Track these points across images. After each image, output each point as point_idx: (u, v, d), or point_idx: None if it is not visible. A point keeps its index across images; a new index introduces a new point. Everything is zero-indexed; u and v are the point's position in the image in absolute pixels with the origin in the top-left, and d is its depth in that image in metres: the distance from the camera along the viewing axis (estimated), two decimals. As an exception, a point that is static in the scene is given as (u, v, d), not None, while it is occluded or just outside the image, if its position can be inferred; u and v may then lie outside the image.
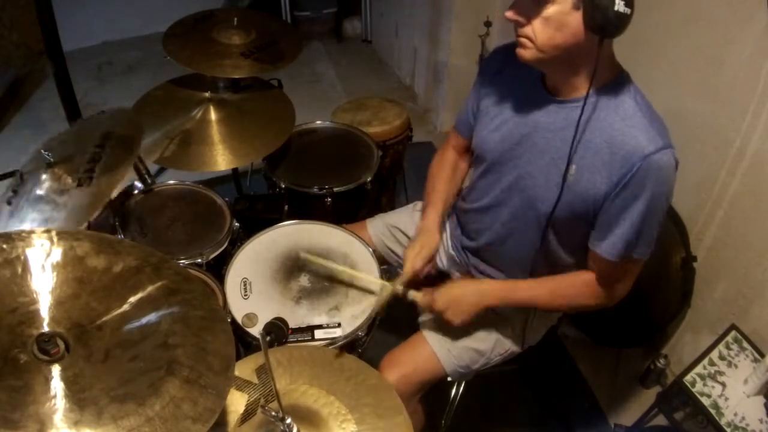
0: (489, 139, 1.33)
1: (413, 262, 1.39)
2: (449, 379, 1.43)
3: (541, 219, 1.25)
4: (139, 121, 1.47)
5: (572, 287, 1.28)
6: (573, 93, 1.17)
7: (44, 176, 1.32)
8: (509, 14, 1.11)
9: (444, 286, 1.35)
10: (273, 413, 0.93)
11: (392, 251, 1.65)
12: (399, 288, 1.36)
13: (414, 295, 1.37)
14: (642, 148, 1.08)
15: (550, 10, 1.05)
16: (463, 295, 1.33)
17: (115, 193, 1.31)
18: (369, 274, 1.44)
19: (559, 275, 1.31)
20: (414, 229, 1.57)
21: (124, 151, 1.36)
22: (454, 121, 1.51)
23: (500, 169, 1.32)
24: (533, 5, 1.07)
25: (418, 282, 1.42)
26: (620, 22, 1.03)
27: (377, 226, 1.66)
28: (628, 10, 1.03)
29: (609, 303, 1.27)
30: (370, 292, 1.41)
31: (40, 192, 1.29)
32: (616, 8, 1.01)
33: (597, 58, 1.07)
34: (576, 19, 1.05)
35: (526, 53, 1.13)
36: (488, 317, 1.42)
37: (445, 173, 1.53)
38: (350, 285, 1.43)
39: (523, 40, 1.12)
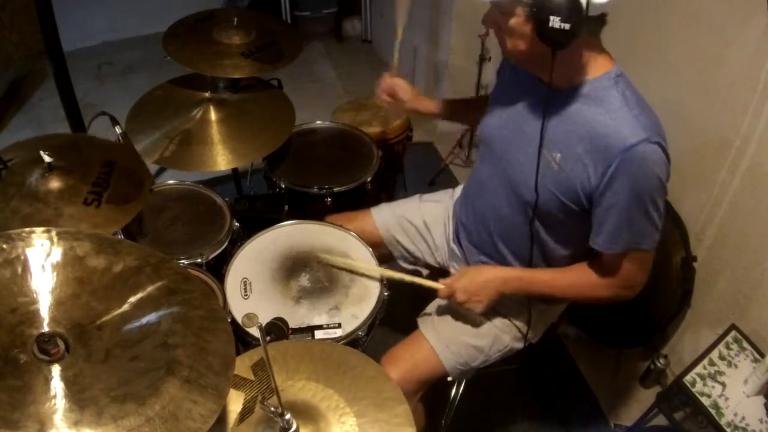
0: (489, 125, 1.37)
1: (392, 83, 1.72)
2: (449, 378, 1.44)
3: (527, 207, 1.28)
4: (145, 164, 1.45)
5: (587, 279, 1.28)
6: (558, 84, 1.19)
7: (37, 174, 1.30)
8: (485, 23, 1.21)
9: (462, 278, 1.36)
10: (272, 409, 0.93)
11: (398, 242, 1.65)
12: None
13: (431, 284, 1.40)
14: (623, 140, 1.09)
15: (512, 21, 1.11)
16: (484, 285, 1.34)
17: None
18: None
19: (574, 266, 1.32)
20: (420, 219, 1.63)
21: (132, 189, 1.34)
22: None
23: (493, 157, 1.36)
24: (500, 16, 1.14)
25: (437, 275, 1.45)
26: (564, 38, 1.05)
27: (384, 215, 1.67)
28: (566, 26, 1.03)
29: (628, 293, 1.27)
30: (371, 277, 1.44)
31: (33, 188, 1.27)
32: (550, 24, 1.03)
33: (551, 67, 1.10)
34: (530, 29, 1.09)
35: (504, 55, 1.22)
36: (487, 313, 1.42)
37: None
38: (351, 283, 1.43)
39: (501, 44, 1.20)
